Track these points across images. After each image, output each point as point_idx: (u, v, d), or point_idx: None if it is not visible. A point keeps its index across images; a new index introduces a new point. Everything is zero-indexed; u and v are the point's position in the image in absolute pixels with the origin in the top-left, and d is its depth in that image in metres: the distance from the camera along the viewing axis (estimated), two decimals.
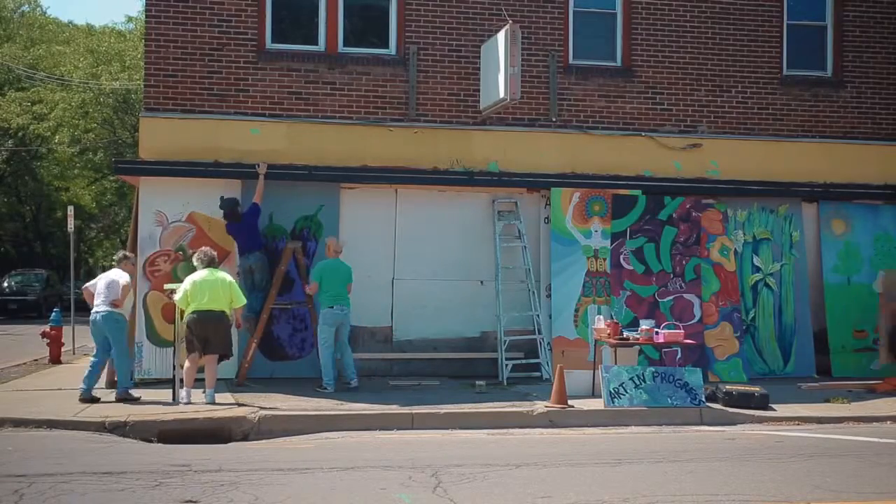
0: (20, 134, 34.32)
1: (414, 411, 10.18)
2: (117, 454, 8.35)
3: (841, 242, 14.21)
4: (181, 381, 10.61)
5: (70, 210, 17.44)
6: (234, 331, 11.08)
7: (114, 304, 10.59)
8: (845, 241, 14.21)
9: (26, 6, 43.57)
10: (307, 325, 12.59)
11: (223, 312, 10.57)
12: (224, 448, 8.95)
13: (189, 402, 10.31)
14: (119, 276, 10.75)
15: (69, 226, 17.09)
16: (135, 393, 10.74)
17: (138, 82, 28.33)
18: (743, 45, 14.16)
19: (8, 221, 39.41)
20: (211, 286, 10.53)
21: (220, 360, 10.77)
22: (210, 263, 10.80)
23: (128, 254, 11.40)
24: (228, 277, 10.83)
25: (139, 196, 12.71)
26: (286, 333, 12.52)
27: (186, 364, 10.59)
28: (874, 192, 14.34)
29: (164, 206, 12.45)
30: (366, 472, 7.54)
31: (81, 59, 34.83)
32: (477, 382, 12.02)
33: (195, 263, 10.98)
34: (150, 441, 9.26)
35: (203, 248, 11.17)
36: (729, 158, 13.96)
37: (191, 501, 6.41)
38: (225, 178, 12.54)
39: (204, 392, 10.48)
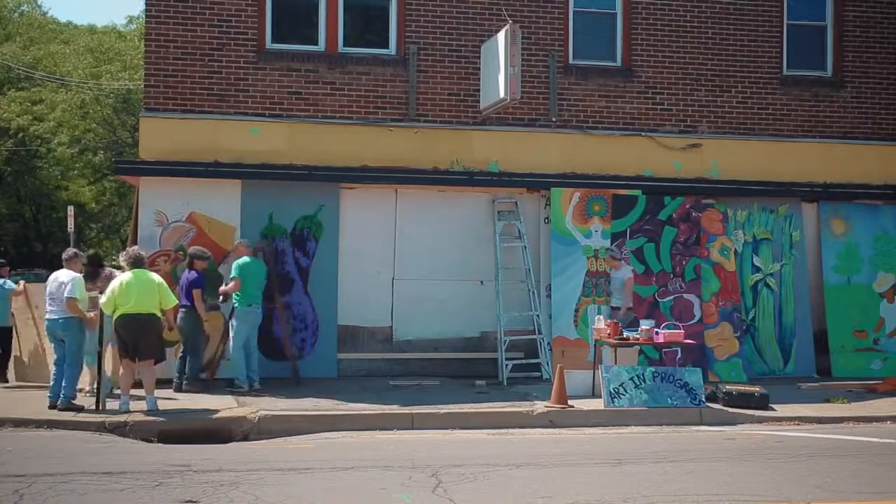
0: (20, 135, 34.33)
1: (414, 411, 10.18)
2: (117, 454, 8.35)
3: (841, 242, 14.20)
4: (112, 388, 10.31)
5: (70, 210, 17.45)
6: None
7: (69, 305, 10.06)
8: (845, 241, 14.21)
9: (26, 6, 43.59)
10: (307, 324, 12.61)
11: (152, 315, 10.00)
12: (224, 448, 8.96)
13: (128, 411, 9.81)
14: (68, 276, 10.13)
15: (69, 226, 17.10)
16: (77, 402, 10.10)
17: (138, 82, 28.33)
18: (743, 45, 14.16)
19: (8, 221, 39.42)
20: (138, 288, 9.94)
21: (155, 363, 10.26)
22: (137, 264, 10.16)
23: (78, 252, 10.75)
24: (157, 278, 10.25)
25: (139, 196, 12.71)
26: (286, 333, 12.48)
27: (121, 370, 10.20)
28: (874, 192, 14.34)
29: (164, 206, 12.45)
30: (366, 472, 7.54)
31: (81, 59, 34.86)
32: (477, 382, 12.03)
33: (122, 263, 10.49)
34: (151, 441, 9.25)
35: (129, 248, 10.72)
36: (729, 158, 13.96)
37: (191, 501, 6.41)
38: (225, 179, 12.53)
39: (146, 399, 9.97)
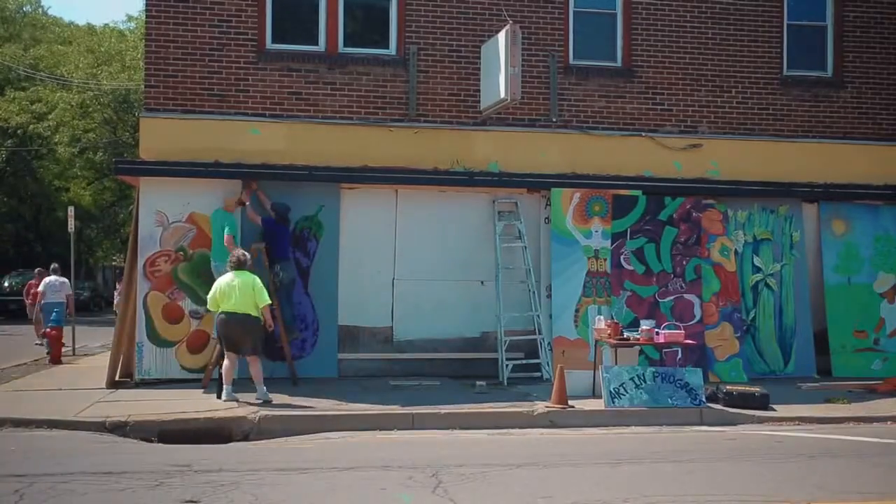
0: (19, 132, 34.29)
1: (414, 411, 10.18)
2: (118, 454, 8.35)
3: (841, 243, 14.20)
4: (219, 378, 10.82)
5: (70, 210, 17.41)
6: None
7: None
8: (845, 241, 14.21)
9: (28, 6, 43.58)
10: (307, 324, 12.62)
11: (249, 315, 10.63)
12: (224, 448, 8.96)
13: (230, 398, 10.47)
14: None
15: (69, 226, 17.07)
16: None
17: (138, 82, 28.33)
18: (743, 45, 14.16)
19: (8, 222, 39.41)
20: (237, 289, 10.63)
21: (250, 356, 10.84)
22: (238, 266, 10.83)
23: None
24: (256, 280, 10.85)
25: (139, 196, 12.71)
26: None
27: (225, 363, 10.74)
28: (874, 192, 14.34)
29: (164, 207, 12.44)
30: (366, 472, 7.54)
31: (82, 59, 34.81)
32: (477, 382, 12.02)
33: (227, 266, 11.07)
34: (151, 441, 9.26)
35: (235, 250, 11.21)
36: (729, 159, 13.96)
37: (191, 501, 6.41)
38: (225, 179, 12.53)
39: (256, 391, 10.67)
